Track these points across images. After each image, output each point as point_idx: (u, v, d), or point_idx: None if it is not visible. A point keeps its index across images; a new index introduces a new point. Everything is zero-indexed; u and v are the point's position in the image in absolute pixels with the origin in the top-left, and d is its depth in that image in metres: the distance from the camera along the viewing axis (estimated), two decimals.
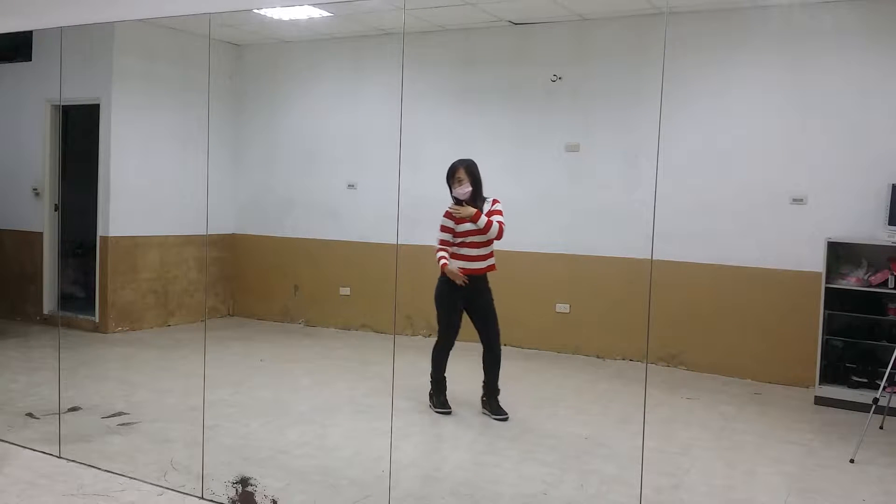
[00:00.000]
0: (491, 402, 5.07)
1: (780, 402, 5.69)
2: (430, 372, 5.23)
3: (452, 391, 5.50)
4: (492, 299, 5.12)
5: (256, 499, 3.71)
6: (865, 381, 5.49)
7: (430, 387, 5.24)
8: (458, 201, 5.02)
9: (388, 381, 4.86)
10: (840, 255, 5.72)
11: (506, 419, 4.99)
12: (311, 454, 4.34)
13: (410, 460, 4.25)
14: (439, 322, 5.18)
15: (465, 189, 4.97)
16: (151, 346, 7.08)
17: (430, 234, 7.33)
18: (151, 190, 7.71)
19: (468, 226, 4.97)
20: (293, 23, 7.46)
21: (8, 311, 7.99)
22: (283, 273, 8.39)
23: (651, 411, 5.12)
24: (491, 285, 5.15)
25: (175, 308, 8.00)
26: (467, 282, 4.99)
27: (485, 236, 4.97)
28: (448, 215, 5.03)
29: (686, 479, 4.12)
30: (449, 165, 5.04)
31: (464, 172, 4.97)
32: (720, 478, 4.16)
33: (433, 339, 5.32)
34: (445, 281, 5.08)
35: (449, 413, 5.09)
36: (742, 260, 6.31)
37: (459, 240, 5.02)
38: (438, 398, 5.16)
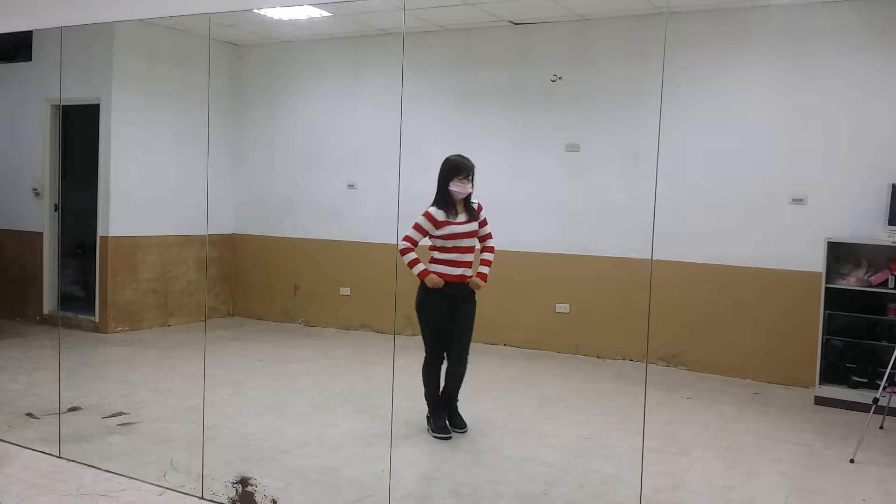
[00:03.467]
0: (451, 413, 4.78)
1: (780, 402, 5.69)
2: (423, 393, 4.78)
3: None
4: (475, 308, 4.76)
5: (256, 499, 3.71)
6: (865, 381, 5.49)
7: (426, 410, 4.80)
8: (447, 199, 4.64)
9: (388, 380, 4.85)
10: (840, 255, 5.72)
11: (465, 431, 4.75)
12: (311, 454, 4.34)
13: (410, 460, 4.25)
14: (424, 336, 4.72)
15: (468, 189, 4.64)
16: (151, 346, 7.08)
17: None
18: (151, 190, 7.71)
19: (454, 228, 4.60)
20: (293, 23, 7.46)
21: (8, 311, 7.99)
22: (283, 273, 8.39)
23: (651, 411, 5.12)
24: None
25: (175, 308, 7.99)
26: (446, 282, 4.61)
27: (471, 241, 4.66)
28: (429, 217, 4.58)
29: (686, 479, 4.12)
30: (454, 158, 4.65)
31: (473, 175, 4.66)
32: (720, 478, 4.15)
33: None
34: (428, 288, 4.64)
35: (449, 438, 4.64)
36: (742, 260, 6.31)
37: (441, 244, 4.64)
38: (437, 422, 4.71)
